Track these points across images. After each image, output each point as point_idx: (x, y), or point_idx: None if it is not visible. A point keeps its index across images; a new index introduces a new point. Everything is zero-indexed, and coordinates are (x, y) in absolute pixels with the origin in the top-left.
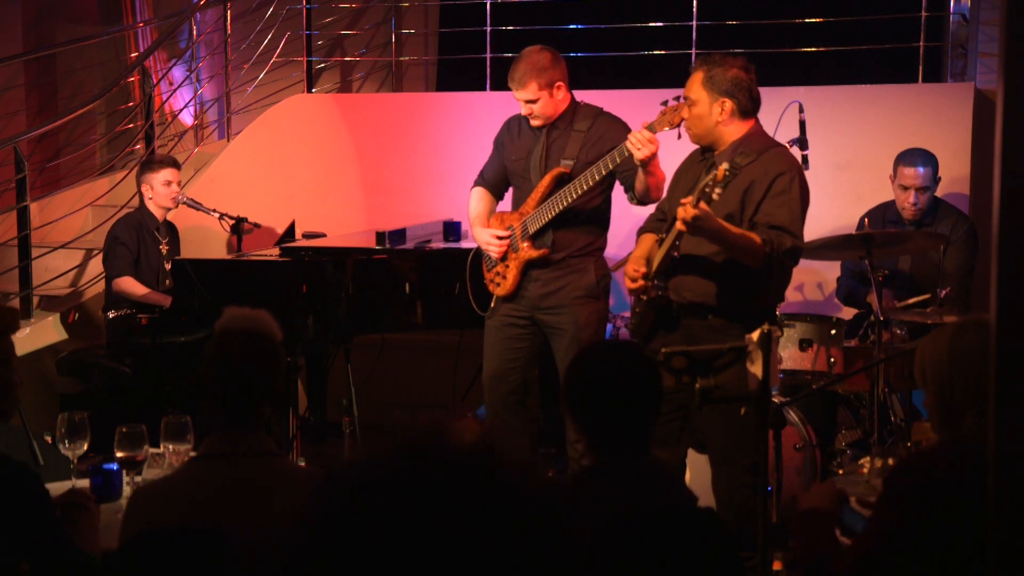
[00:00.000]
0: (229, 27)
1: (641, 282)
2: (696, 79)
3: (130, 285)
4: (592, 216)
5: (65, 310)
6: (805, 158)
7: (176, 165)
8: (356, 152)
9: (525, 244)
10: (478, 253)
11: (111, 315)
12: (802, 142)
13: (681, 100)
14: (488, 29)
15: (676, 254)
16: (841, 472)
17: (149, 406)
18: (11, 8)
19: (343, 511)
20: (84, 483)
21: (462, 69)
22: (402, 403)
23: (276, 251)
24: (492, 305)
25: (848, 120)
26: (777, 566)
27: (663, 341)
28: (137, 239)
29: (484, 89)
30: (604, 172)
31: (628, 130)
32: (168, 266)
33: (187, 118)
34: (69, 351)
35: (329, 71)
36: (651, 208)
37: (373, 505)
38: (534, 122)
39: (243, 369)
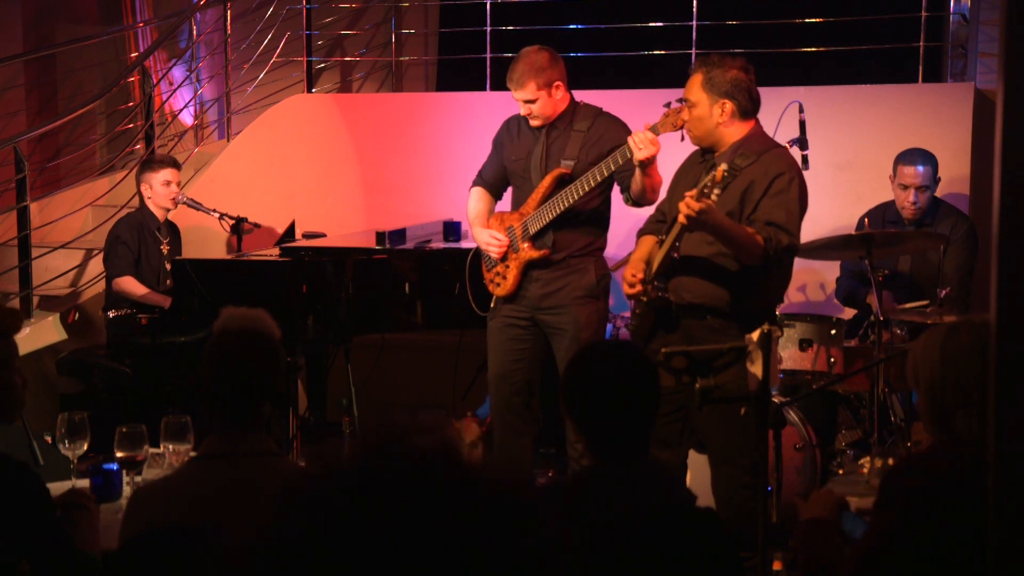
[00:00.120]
0: (229, 27)
1: (639, 287)
2: (695, 81)
3: (130, 285)
4: (592, 216)
5: (65, 310)
6: (805, 158)
7: (176, 165)
8: (356, 152)
9: (526, 244)
10: (477, 253)
11: (111, 314)
12: (802, 142)
13: (680, 102)
14: (488, 29)
15: (676, 255)
16: (841, 472)
17: (149, 406)
18: (11, 8)
19: (301, 523)
20: (84, 483)
21: (462, 69)
22: (402, 403)
23: (276, 251)
24: (492, 305)
25: (848, 120)
26: (777, 566)
27: (663, 341)
28: (138, 239)
29: (484, 89)
30: (606, 173)
31: (628, 130)
32: (169, 266)
33: (187, 118)
34: (69, 351)
35: (329, 71)
36: (650, 209)
37: (330, 514)
38: (533, 122)
39: (242, 369)
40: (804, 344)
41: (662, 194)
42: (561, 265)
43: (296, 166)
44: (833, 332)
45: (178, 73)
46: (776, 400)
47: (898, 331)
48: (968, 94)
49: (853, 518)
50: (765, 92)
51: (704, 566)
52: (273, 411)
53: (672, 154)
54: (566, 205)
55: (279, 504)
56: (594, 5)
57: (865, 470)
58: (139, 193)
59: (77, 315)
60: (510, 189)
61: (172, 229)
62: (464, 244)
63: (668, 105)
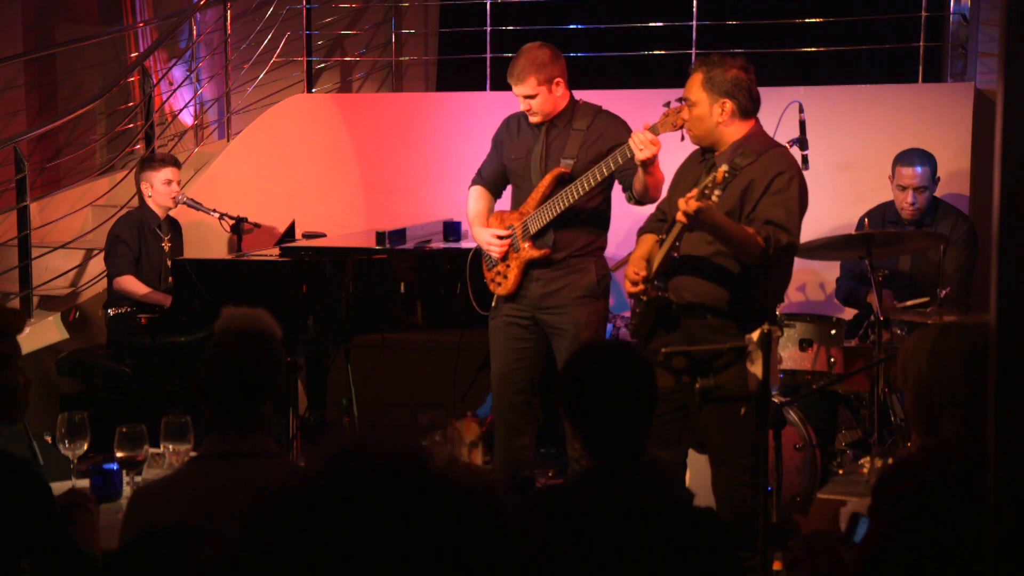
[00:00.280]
0: (229, 27)
1: (642, 286)
2: (696, 80)
3: (131, 284)
4: (592, 216)
5: (65, 310)
6: (805, 158)
7: (176, 164)
8: (356, 152)
9: (526, 244)
10: (478, 252)
11: (111, 312)
12: (802, 142)
13: (680, 102)
14: (488, 29)
15: (676, 255)
16: (841, 472)
17: (149, 406)
18: (11, 8)
19: (267, 532)
20: (84, 483)
21: (462, 69)
22: (402, 403)
23: (276, 251)
24: (494, 304)
25: (848, 120)
26: (777, 566)
27: (663, 341)
28: (138, 238)
29: (484, 89)
30: (607, 173)
31: (628, 128)
32: (171, 264)
33: (187, 118)
34: (69, 351)
35: (329, 71)
36: (651, 208)
37: (296, 522)
38: (532, 119)
39: (243, 369)
40: (804, 344)
41: (663, 192)
42: (562, 265)
43: (296, 166)
44: (833, 332)
45: (178, 73)
46: (776, 400)
47: (898, 331)
48: (968, 94)
49: (866, 523)
50: (765, 92)
51: (704, 566)
52: (274, 411)
53: (672, 154)
54: (566, 204)
55: (246, 513)
56: (594, 5)
57: (865, 470)
58: (139, 192)
59: (77, 315)
60: (510, 188)
61: (173, 226)
62: (464, 244)
63: (668, 105)
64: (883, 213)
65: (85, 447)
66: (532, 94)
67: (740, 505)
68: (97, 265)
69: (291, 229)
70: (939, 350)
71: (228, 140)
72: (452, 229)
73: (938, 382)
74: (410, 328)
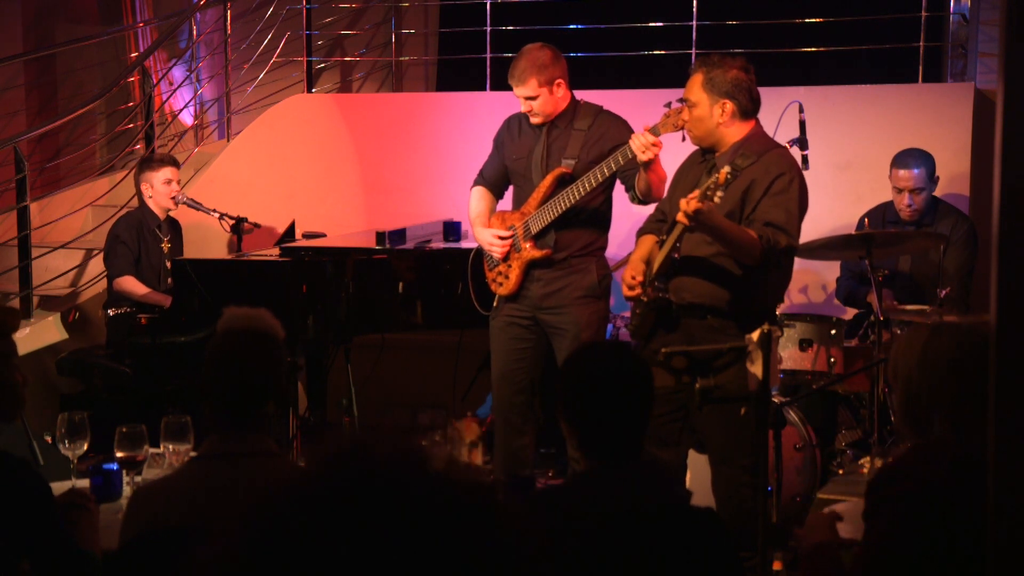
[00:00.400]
0: (229, 27)
1: (639, 290)
2: (696, 81)
3: (131, 284)
4: (593, 216)
5: (65, 310)
6: (805, 158)
7: (176, 164)
8: (356, 152)
9: (528, 244)
10: (479, 252)
11: (111, 312)
12: (802, 142)
13: (682, 102)
14: (488, 29)
15: (677, 255)
16: (841, 472)
17: (149, 406)
18: (11, 8)
19: (264, 534)
20: (84, 483)
21: (462, 69)
22: (402, 403)
23: (276, 251)
24: (495, 304)
25: (848, 120)
26: (777, 566)
27: (663, 341)
28: (138, 238)
29: (484, 89)
30: (608, 173)
31: (629, 128)
32: (170, 264)
33: (187, 118)
34: (69, 351)
35: (329, 71)
36: (650, 208)
37: (292, 524)
38: (534, 120)
39: (244, 369)
40: (804, 344)
41: (664, 192)
42: (563, 265)
43: (296, 166)
44: (833, 332)
45: (178, 73)
46: (776, 400)
47: (898, 331)
48: (968, 94)
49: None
50: (765, 92)
51: (704, 566)
52: (275, 411)
53: (672, 154)
54: (567, 204)
55: (246, 513)
56: (594, 5)
57: (865, 470)
58: (138, 192)
59: (77, 315)
60: (511, 188)
61: (173, 226)
62: (464, 244)
63: (668, 105)
64: (883, 213)
65: (85, 447)
66: (533, 95)
67: (740, 505)
68: (97, 265)
69: (291, 229)
70: (930, 351)
71: (228, 140)
72: (452, 229)
73: (926, 383)
74: (410, 328)
